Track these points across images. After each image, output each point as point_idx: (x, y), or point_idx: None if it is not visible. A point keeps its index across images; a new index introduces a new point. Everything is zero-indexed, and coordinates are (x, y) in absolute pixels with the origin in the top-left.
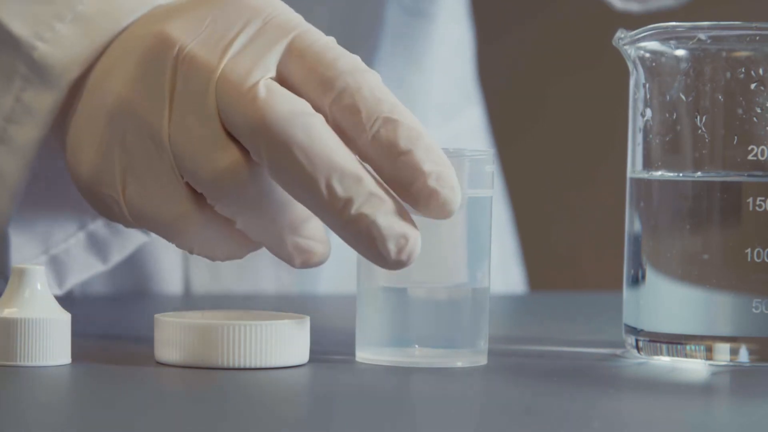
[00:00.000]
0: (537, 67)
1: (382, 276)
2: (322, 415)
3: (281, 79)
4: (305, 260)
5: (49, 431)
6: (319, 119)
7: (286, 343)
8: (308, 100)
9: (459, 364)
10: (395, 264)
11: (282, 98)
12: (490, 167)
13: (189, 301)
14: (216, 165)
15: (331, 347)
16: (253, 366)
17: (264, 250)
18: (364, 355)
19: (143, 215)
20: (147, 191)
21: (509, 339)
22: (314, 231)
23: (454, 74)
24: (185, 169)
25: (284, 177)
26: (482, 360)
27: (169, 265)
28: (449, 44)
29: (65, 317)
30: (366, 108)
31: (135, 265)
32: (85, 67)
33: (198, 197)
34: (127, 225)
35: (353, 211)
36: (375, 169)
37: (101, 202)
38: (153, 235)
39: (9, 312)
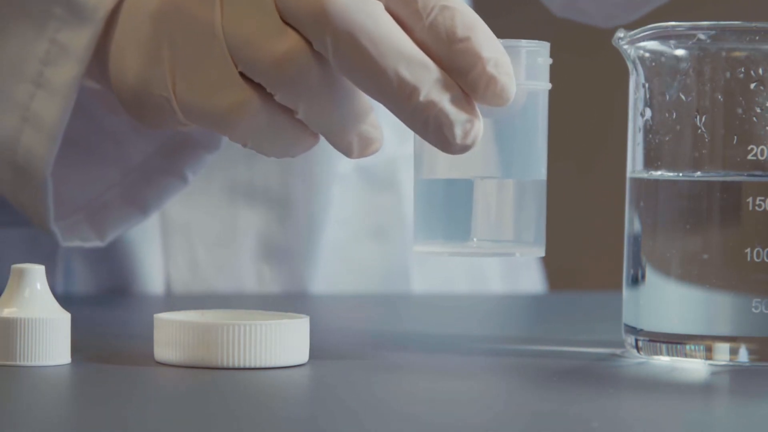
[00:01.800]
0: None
1: (440, 168)
2: (322, 415)
3: None
4: (364, 149)
5: (49, 431)
6: (380, 6)
7: (286, 343)
8: None
9: (517, 255)
10: (461, 148)
11: None
12: (545, 59)
13: (188, 300)
14: (276, 50)
15: (331, 347)
16: (253, 366)
17: (244, 246)
18: (421, 248)
19: (196, 109)
20: (199, 84)
21: (509, 339)
22: (374, 119)
23: None
24: (243, 58)
25: (351, 66)
26: (539, 252)
27: (150, 265)
28: None
29: (65, 317)
30: None
31: (116, 265)
32: None
33: (254, 87)
34: (179, 126)
35: (422, 98)
36: (432, 57)
37: (150, 107)
38: (145, 224)
39: (9, 312)
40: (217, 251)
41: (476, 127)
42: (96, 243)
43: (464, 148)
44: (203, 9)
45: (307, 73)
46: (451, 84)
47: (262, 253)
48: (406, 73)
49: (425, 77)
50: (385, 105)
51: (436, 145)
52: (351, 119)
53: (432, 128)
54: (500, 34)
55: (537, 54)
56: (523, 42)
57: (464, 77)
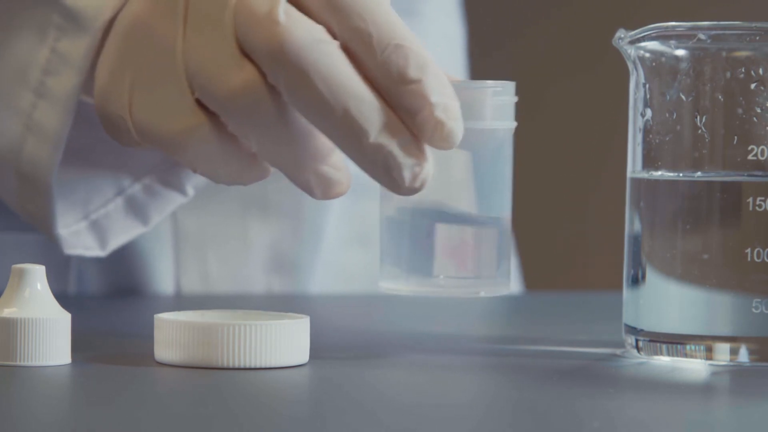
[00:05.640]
0: (537, 68)
1: (403, 206)
2: (322, 415)
3: (294, 3)
4: (325, 190)
5: (49, 431)
6: (335, 46)
7: (286, 343)
8: (320, 24)
9: (482, 294)
10: (409, 191)
11: (301, 24)
12: (511, 99)
13: (188, 301)
14: (231, 81)
15: (331, 347)
16: (253, 366)
17: (255, 258)
18: (387, 285)
19: (149, 130)
20: (154, 105)
21: (509, 339)
22: (336, 161)
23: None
24: (199, 85)
25: (302, 103)
26: (504, 290)
27: (162, 275)
28: (440, 42)
29: (65, 317)
30: (378, 33)
31: (128, 274)
32: (118, 8)
33: (208, 114)
34: (135, 145)
35: (371, 139)
36: (382, 95)
37: (111, 123)
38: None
39: (9, 312)
40: (229, 262)
41: (425, 170)
42: (97, 252)
43: (413, 191)
44: (167, 32)
45: (260, 106)
46: (400, 127)
47: (272, 265)
48: (356, 114)
49: (374, 119)
50: (335, 144)
51: (385, 186)
52: (306, 158)
53: (381, 170)
54: (503, 37)
55: (501, 93)
56: (489, 82)
57: (412, 119)
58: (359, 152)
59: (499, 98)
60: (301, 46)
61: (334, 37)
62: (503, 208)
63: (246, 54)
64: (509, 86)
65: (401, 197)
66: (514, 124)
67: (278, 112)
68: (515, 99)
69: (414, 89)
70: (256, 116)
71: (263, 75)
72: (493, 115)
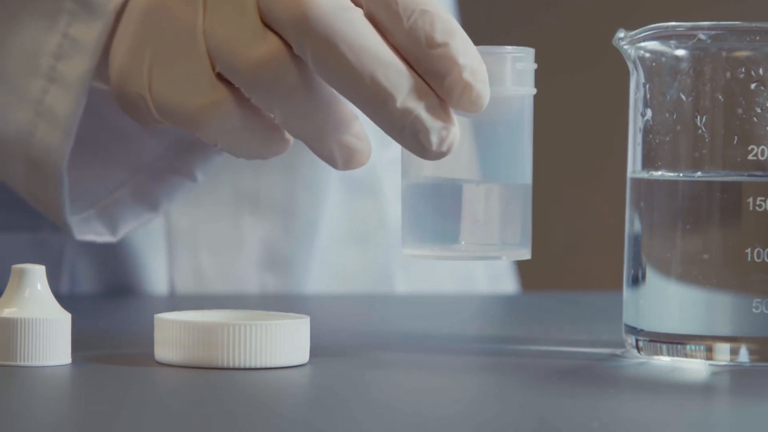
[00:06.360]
0: (537, 67)
1: (427, 172)
2: (323, 415)
3: None
4: (348, 159)
5: (49, 431)
6: (360, 13)
7: (286, 343)
8: None
9: (503, 258)
10: (436, 155)
11: None
12: (531, 65)
13: (189, 301)
14: (254, 53)
15: (331, 347)
16: (253, 366)
17: (248, 254)
18: (410, 250)
19: (169, 108)
20: (174, 83)
21: (509, 339)
22: (359, 130)
23: None
24: (221, 60)
25: (329, 71)
26: (525, 254)
27: (154, 271)
28: None
29: (65, 317)
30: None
31: (121, 271)
32: None
33: (230, 88)
34: (155, 123)
35: (398, 104)
36: (409, 61)
37: (129, 102)
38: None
39: (9, 312)
40: (222, 259)
41: (452, 133)
42: (108, 238)
43: (440, 155)
44: (186, 9)
45: (284, 77)
46: (427, 91)
47: (266, 262)
48: (383, 80)
49: (402, 84)
50: (362, 111)
51: (412, 151)
52: (330, 127)
53: (408, 135)
54: (504, 36)
55: (522, 60)
56: (509, 48)
57: (440, 82)
58: (386, 118)
59: (520, 64)
60: (326, 14)
61: (358, 5)
62: (524, 174)
63: (268, 26)
64: (529, 52)
65: (421, 167)
66: (534, 90)
67: (302, 82)
68: (535, 66)
69: (442, 52)
70: (281, 87)
71: (287, 46)
72: (513, 81)
